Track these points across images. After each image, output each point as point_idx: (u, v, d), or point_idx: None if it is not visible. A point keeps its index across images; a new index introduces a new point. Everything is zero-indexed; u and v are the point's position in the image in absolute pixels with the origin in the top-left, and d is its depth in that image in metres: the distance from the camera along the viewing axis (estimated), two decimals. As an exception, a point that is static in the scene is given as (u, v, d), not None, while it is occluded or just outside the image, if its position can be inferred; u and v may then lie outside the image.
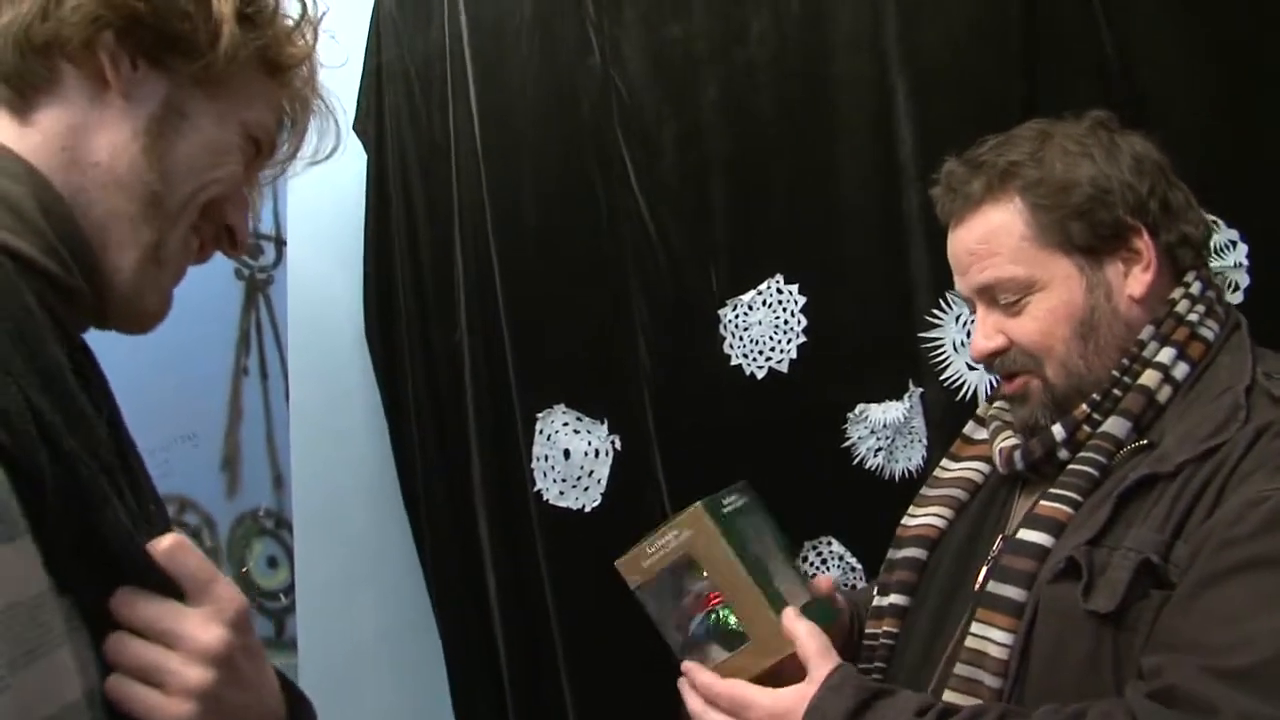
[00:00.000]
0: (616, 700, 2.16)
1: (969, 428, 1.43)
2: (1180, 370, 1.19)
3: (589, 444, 2.15)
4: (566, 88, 2.15)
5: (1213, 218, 1.61)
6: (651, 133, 2.07)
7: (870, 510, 1.87)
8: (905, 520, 1.39)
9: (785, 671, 1.18)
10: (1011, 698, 1.11)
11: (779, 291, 1.96)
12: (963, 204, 1.27)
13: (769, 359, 1.96)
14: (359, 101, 2.36)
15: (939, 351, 1.83)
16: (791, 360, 1.95)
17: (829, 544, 1.96)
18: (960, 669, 1.15)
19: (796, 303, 1.94)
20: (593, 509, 2.15)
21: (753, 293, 1.97)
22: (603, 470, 2.14)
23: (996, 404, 1.37)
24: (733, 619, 1.22)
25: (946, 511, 1.35)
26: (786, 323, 1.95)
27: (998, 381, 1.37)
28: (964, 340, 1.81)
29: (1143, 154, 1.25)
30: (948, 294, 1.81)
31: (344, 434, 2.31)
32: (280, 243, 2.30)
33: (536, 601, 2.21)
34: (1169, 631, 1.02)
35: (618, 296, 2.10)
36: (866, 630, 1.37)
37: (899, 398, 1.88)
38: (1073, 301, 1.22)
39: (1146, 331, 1.21)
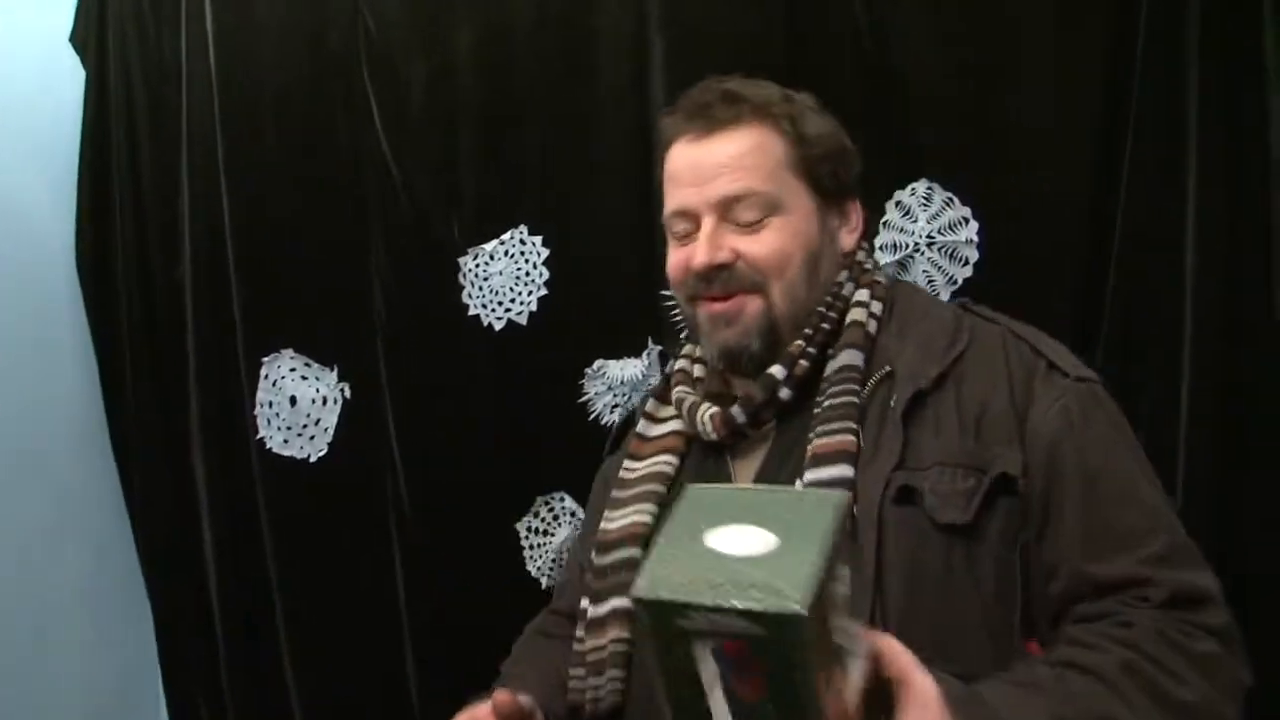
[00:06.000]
0: (335, 658, 2.08)
1: (642, 426, 1.41)
2: (876, 306, 1.27)
3: (317, 391, 2.04)
4: (312, 17, 2.03)
5: (948, 194, 1.69)
6: (400, 72, 1.98)
7: (604, 467, 1.87)
8: (604, 526, 1.32)
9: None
10: (876, 623, 1.06)
11: (522, 242, 1.92)
12: (718, 123, 1.26)
13: (508, 310, 1.92)
14: (78, 11, 2.16)
15: (679, 310, 1.82)
16: (531, 312, 1.91)
17: (561, 499, 1.94)
18: None
19: (539, 254, 1.91)
20: (318, 458, 2.05)
21: (495, 242, 1.92)
22: (330, 419, 2.04)
23: (678, 388, 1.36)
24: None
25: (649, 507, 1.30)
26: (528, 274, 1.91)
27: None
28: (704, 300, 1.82)
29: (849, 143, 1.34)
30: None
31: (47, 372, 2.11)
32: (-20, 160, 2.07)
33: (254, 556, 2.10)
34: (1094, 528, 1.09)
35: (355, 240, 2.01)
36: (585, 645, 1.27)
37: (638, 355, 1.87)
38: (809, 232, 1.26)
39: (842, 275, 1.30)
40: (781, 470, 1.20)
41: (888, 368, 1.20)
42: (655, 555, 0.83)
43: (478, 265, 1.93)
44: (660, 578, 0.80)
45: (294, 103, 2.05)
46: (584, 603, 1.30)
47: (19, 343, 2.04)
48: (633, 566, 1.23)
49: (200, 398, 2.12)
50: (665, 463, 1.34)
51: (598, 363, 1.89)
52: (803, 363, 1.23)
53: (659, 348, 1.85)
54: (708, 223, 1.25)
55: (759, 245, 1.24)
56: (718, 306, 1.27)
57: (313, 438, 2.05)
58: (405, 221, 1.98)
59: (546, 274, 1.90)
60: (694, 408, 1.30)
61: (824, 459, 1.14)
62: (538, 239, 1.91)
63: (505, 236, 1.92)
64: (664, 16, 1.82)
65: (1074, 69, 1.64)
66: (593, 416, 1.90)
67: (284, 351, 2.06)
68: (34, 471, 2.06)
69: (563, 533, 1.93)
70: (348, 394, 2.03)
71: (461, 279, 1.94)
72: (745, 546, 0.83)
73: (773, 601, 0.77)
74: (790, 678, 0.80)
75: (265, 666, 2.13)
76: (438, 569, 2.00)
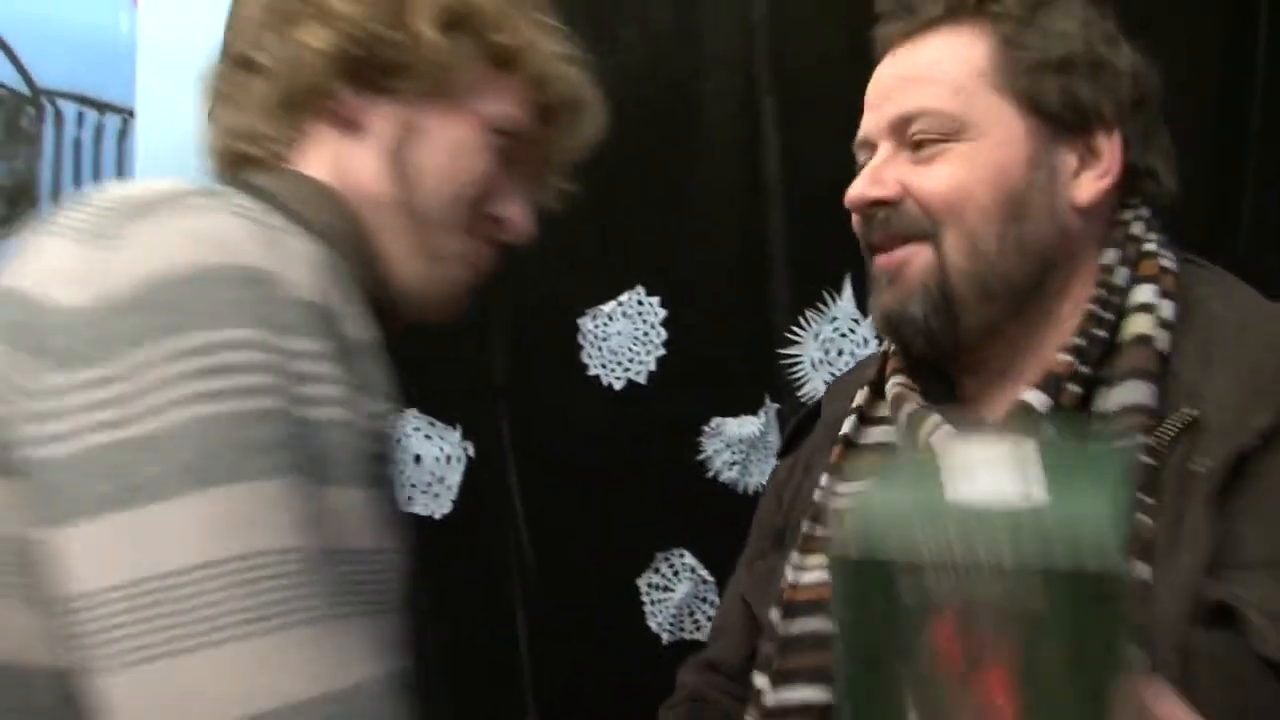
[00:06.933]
0: (459, 710, 2.12)
1: (850, 428, 1.08)
2: (1167, 309, 0.94)
3: (441, 450, 2.10)
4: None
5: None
6: (517, 135, 2.03)
7: (724, 523, 1.88)
8: (792, 576, 1.01)
9: None
10: None
11: (640, 303, 1.95)
12: (913, 26, 1.01)
13: (627, 370, 1.95)
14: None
15: (797, 369, 1.85)
16: (650, 372, 1.94)
17: (681, 556, 1.96)
18: None
19: (657, 315, 1.94)
20: (443, 516, 2.10)
21: (613, 303, 1.96)
22: (454, 477, 2.09)
23: (895, 379, 1.05)
24: None
25: None
26: (646, 334, 1.94)
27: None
28: (822, 358, 1.84)
29: (1145, 74, 1.01)
30: (807, 312, 1.83)
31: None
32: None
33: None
34: None
35: (476, 301, 2.04)
36: None
37: (755, 413, 1.89)
38: (1007, 166, 0.95)
39: (1110, 255, 0.97)
40: None
41: (1191, 412, 0.86)
42: (865, 500, 0.56)
43: (596, 326, 1.97)
44: (875, 523, 0.53)
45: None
46: (759, 680, 1.01)
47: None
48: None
49: (328, 455, 2.18)
50: None
51: (715, 420, 1.91)
52: (1074, 388, 0.92)
53: (776, 405, 1.87)
54: (881, 152, 1.00)
55: (928, 178, 0.95)
56: (884, 259, 1.00)
57: (437, 495, 2.10)
58: (523, 282, 2.02)
59: (665, 334, 1.93)
60: (916, 419, 0.99)
61: None
62: (655, 299, 1.94)
63: (623, 297, 1.95)
64: (772, 76, 1.84)
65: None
66: (711, 474, 1.92)
67: (408, 411, 2.11)
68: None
69: (683, 588, 1.96)
70: (471, 453, 2.08)
71: (580, 339, 1.98)
72: (997, 497, 0.55)
73: (1067, 554, 0.50)
74: (1073, 678, 0.52)
75: None
76: (560, 623, 2.03)
